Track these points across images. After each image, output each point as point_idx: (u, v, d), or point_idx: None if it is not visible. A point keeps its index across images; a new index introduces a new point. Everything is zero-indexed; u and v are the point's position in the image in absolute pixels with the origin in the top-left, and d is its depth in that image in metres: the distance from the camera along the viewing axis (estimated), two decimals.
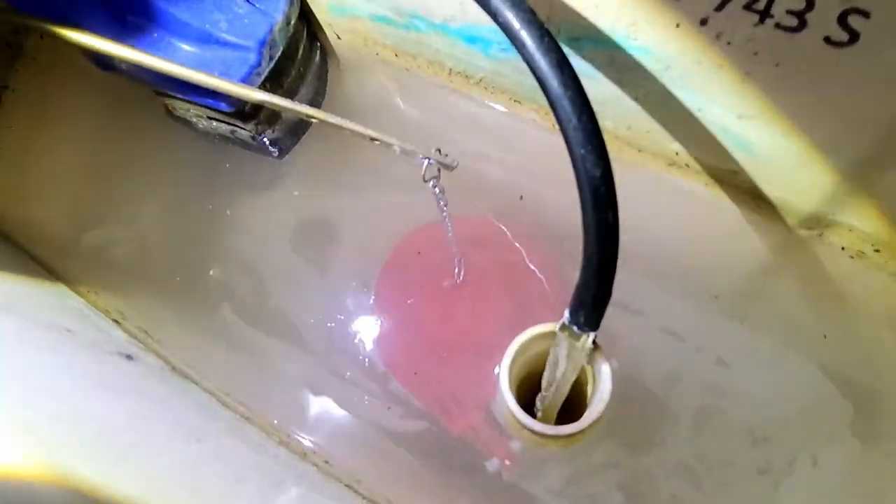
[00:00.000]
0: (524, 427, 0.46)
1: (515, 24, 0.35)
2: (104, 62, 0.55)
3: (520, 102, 0.59)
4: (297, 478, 0.44)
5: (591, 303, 0.40)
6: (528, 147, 0.61)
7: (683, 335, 0.57)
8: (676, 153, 0.53)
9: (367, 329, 0.61)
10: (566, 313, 0.42)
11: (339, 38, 0.64)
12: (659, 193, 0.57)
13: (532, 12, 0.36)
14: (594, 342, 0.44)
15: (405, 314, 0.62)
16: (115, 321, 0.57)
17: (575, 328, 0.42)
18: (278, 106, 0.50)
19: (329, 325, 0.62)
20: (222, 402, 0.53)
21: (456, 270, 0.61)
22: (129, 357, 0.47)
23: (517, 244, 0.61)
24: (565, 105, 0.35)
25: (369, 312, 0.62)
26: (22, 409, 0.26)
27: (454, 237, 0.60)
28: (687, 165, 0.54)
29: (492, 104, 0.61)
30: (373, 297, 0.62)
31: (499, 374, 0.49)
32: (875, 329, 0.53)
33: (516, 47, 0.36)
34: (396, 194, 0.64)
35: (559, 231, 0.60)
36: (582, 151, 0.35)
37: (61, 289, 0.58)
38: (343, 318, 0.62)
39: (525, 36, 0.35)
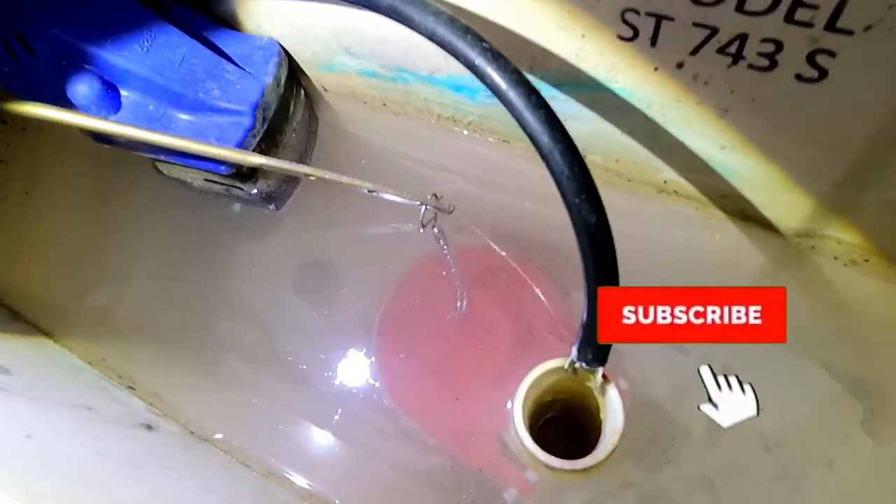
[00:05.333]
0: (540, 463, 0.47)
1: (503, 84, 0.37)
2: (100, 137, 0.56)
3: (508, 142, 0.61)
4: None
5: (596, 340, 0.41)
6: (520, 178, 0.62)
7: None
8: (665, 181, 0.55)
9: (373, 368, 0.61)
10: (574, 350, 0.43)
11: (325, 90, 0.66)
12: (650, 217, 0.59)
13: (518, 72, 0.37)
14: (604, 375, 0.46)
15: (410, 350, 0.62)
16: (130, 388, 0.58)
17: (583, 365, 0.43)
18: (278, 168, 0.52)
19: (335, 366, 0.62)
20: (241, 461, 0.54)
21: (458, 303, 0.62)
22: (149, 427, 0.48)
23: (518, 271, 0.62)
24: (557, 158, 0.37)
25: (374, 351, 0.62)
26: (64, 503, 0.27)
27: (457, 272, 0.61)
28: (676, 192, 0.56)
29: (481, 143, 0.62)
30: (377, 335, 0.62)
31: (512, 409, 0.50)
32: (876, 329, 0.54)
33: (505, 105, 0.38)
34: (394, 231, 0.65)
35: (559, 255, 0.61)
36: (577, 200, 0.37)
37: (74, 360, 0.58)
38: (349, 359, 0.62)
39: (513, 96, 0.37)
